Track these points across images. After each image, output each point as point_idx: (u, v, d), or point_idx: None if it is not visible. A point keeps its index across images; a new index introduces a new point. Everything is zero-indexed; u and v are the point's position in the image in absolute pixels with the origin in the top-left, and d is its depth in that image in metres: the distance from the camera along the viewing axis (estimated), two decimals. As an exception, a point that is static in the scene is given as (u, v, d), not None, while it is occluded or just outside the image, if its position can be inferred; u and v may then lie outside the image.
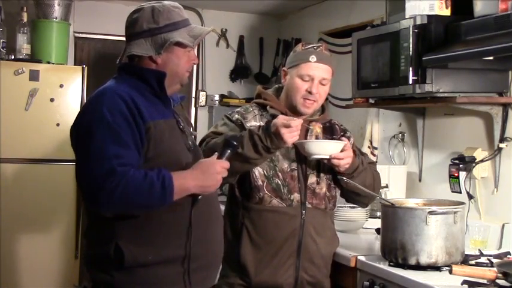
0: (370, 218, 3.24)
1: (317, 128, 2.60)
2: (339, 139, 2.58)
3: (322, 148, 2.41)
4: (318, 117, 2.61)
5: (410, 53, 2.71)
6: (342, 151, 2.43)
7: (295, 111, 2.53)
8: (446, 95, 2.73)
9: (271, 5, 4.82)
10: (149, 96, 2.06)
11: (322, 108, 2.65)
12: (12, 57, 3.94)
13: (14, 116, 3.90)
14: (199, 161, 2.06)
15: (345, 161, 2.42)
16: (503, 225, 2.79)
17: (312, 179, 2.52)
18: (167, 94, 2.11)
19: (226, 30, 5.10)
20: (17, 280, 3.90)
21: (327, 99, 4.24)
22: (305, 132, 2.54)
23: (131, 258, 1.92)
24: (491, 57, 2.59)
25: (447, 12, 2.73)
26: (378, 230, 2.84)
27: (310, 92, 2.49)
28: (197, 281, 2.02)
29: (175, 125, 2.12)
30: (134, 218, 1.94)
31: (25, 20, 4.00)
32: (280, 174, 2.47)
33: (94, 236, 2.03)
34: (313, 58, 2.48)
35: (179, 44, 2.08)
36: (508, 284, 2.08)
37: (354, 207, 3.18)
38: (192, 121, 5.14)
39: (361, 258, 2.60)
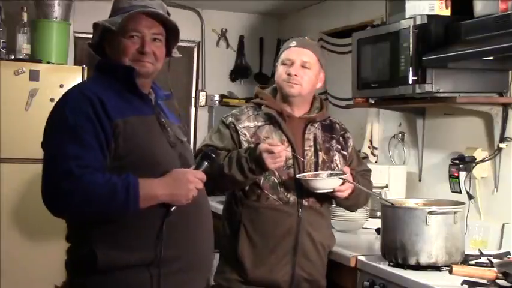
0: (370, 218, 3.22)
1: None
2: (340, 140, 2.59)
3: (325, 184, 2.43)
4: (315, 114, 2.58)
5: (410, 53, 2.71)
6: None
7: (288, 103, 2.52)
8: (446, 95, 2.72)
9: (271, 5, 4.81)
10: (123, 93, 1.99)
11: (321, 106, 2.63)
12: (12, 57, 3.93)
13: (14, 116, 3.89)
14: (174, 169, 1.95)
15: (346, 192, 2.47)
16: (503, 225, 2.79)
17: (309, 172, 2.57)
18: (139, 89, 2.00)
19: (226, 30, 5.08)
20: (17, 280, 3.86)
21: (326, 98, 4.24)
22: (302, 131, 2.53)
23: (104, 261, 1.86)
24: (491, 58, 2.58)
25: (447, 12, 2.73)
26: (377, 230, 2.83)
27: (289, 75, 2.50)
28: (174, 285, 1.92)
29: (155, 121, 2.03)
30: (110, 221, 1.87)
31: (25, 20, 3.99)
32: (276, 172, 2.47)
33: (72, 238, 1.99)
34: (293, 43, 2.58)
35: (108, 30, 1.99)
36: (508, 284, 2.08)
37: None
38: (192, 121, 5.11)
39: (361, 258, 2.60)
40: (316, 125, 2.58)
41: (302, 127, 2.53)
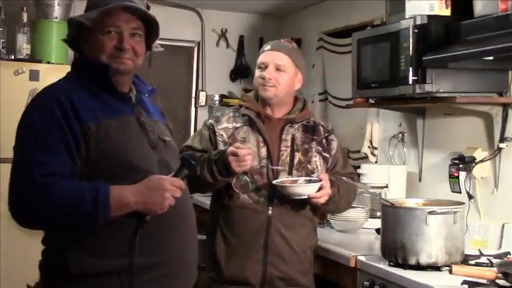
0: (370, 218, 3.22)
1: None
2: (322, 142, 2.57)
3: (300, 190, 2.44)
4: (295, 115, 2.58)
5: (410, 53, 2.70)
6: (320, 189, 2.48)
7: (267, 105, 2.54)
8: (446, 95, 2.71)
9: (271, 5, 4.81)
10: (99, 92, 1.89)
11: (303, 107, 2.64)
12: (12, 57, 3.92)
13: (14, 116, 3.95)
14: (150, 176, 1.83)
15: (322, 199, 2.47)
16: (503, 225, 2.78)
17: (283, 176, 2.53)
18: (116, 88, 1.90)
19: (226, 30, 5.08)
20: (17, 279, 3.82)
21: (326, 98, 4.23)
22: (280, 132, 2.54)
23: (76, 267, 1.80)
24: (491, 58, 2.57)
25: (447, 12, 2.72)
26: (377, 230, 2.83)
27: (264, 78, 2.55)
28: None
29: (134, 121, 1.92)
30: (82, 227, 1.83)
31: (25, 20, 3.97)
32: (248, 171, 2.48)
33: (46, 242, 1.93)
34: (267, 47, 2.61)
35: (83, 26, 1.88)
36: (508, 284, 2.08)
37: (353, 207, 3.15)
38: (192, 121, 5.11)
39: (361, 258, 2.60)
40: (296, 126, 2.58)
41: (280, 128, 2.54)
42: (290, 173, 2.54)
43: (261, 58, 2.56)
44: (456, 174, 2.88)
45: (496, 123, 2.79)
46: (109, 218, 1.77)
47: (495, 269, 2.16)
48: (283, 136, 2.54)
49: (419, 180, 3.37)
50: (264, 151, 2.52)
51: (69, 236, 1.82)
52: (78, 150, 1.79)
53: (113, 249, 1.83)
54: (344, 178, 2.56)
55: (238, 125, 2.57)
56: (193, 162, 1.95)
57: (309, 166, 2.56)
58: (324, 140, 2.62)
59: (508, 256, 2.58)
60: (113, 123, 1.87)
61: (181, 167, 1.92)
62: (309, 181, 2.50)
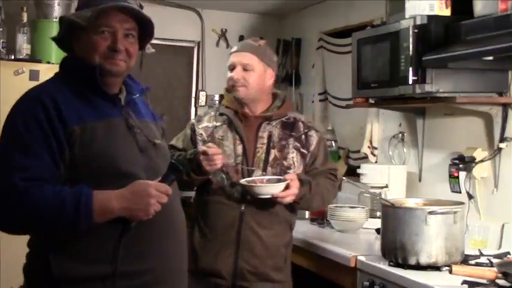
0: (370, 218, 3.21)
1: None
2: (301, 138, 2.58)
3: (263, 190, 2.45)
4: (271, 112, 2.61)
5: (410, 53, 2.69)
6: (286, 188, 2.49)
7: (244, 104, 2.59)
8: (446, 95, 2.71)
9: (271, 5, 4.79)
10: (86, 94, 1.84)
11: (282, 103, 2.66)
12: (12, 57, 3.88)
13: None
14: (135, 181, 1.77)
15: (287, 198, 2.49)
16: (503, 225, 2.77)
17: (257, 173, 2.55)
18: (104, 90, 1.85)
19: (226, 30, 5.05)
20: (16, 280, 3.96)
21: (326, 98, 4.22)
22: (256, 129, 2.57)
23: (58, 272, 1.75)
24: (491, 58, 2.55)
25: (447, 12, 2.71)
26: (377, 230, 2.83)
27: (232, 79, 2.63)
28: None
29: (122, 124, 1.86)
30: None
31: (25, 20, 3.94)
32: (225, 168, 2.54)
33: (30, 245, 1.88)
34: (234, 49, 2.68)
35: (76, 25, 1.82)
36: (508, 284, 2.08)
37: (353, 207, 3.18)
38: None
39: (361, 258, 2.60)
40: (274, 123, 2.61)
41: (257, 126, 2.58)
42: (264, 170, 2.56)
43: (229, 60, 2.63)
44: (456, 174, 2.86)
45: (496, 123, 2.78)
46: (91, 224, 1.72)
47: (495, 269, 2.16)
48: (260, 133, 2.59)
49: (419, 180, 3.36)
50: (240, 149, 2.58)
51: (53, 240, 1.78)
52: (62, 154, 1.75)
53: (96, 255, 1.78)
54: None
55: (218, 124, 2.64)
56: (181, 168, 1.90)
57: (284, 162, 2.58)
58: (303, 136, 2.63)
59: (508, 256, 2.57)
60: (99, 126, 1.82)
61: (168, 172, 1.86)
62: (278, 180, 2.49)
